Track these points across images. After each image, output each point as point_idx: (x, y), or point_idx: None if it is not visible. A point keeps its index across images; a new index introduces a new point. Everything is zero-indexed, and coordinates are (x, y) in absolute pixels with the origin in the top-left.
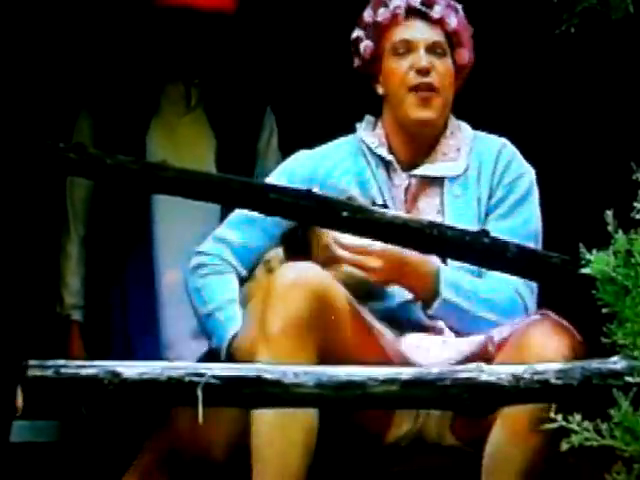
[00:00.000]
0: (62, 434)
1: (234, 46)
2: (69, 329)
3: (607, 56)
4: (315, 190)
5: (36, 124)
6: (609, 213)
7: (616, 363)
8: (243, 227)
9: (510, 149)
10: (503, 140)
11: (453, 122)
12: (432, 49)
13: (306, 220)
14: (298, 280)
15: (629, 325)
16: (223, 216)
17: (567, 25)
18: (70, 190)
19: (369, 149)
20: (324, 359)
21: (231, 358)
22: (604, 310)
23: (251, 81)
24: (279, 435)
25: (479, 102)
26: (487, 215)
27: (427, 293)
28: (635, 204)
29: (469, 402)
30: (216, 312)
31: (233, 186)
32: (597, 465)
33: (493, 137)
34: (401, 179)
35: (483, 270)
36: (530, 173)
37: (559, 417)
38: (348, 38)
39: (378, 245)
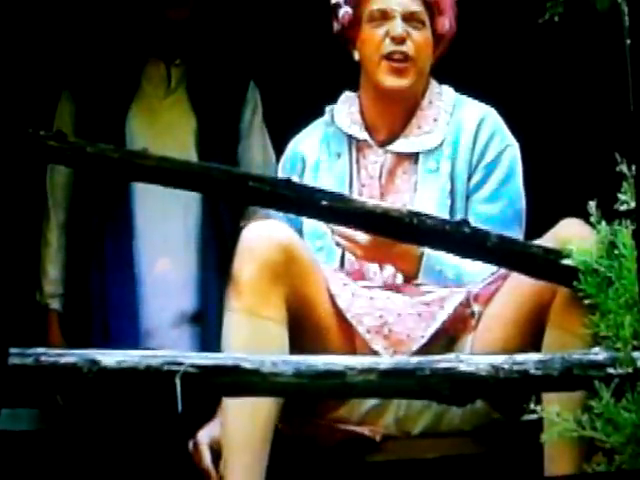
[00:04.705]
0: (42, 423)
1: (216, 23)
2: (48, 318)
3: (593, 47)
4: (294, 179)
5: (17, 107)
6: (592, 204)
7: (598, 354)
8: None
9: (493, 119)
10: (487, 109)
11: (433, 89)
12: (409, 19)
13: (285, 209)
14: (265, 232)
15: (612, 317)
16: (204, 203)
17: (551, 14)
18: (50, 176)
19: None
20: (292, 312)
21: None
22: (586, 301)
23: (233, 58)
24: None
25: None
26: (468, 197)
27: (411, 275)
28: (619, 195)
29: (448, 392)
30: None
31: (213, 174)
32: None
33: (477, 104)
34: (377, 156)
35: None
36: (514, 147)
37: (539, 408)
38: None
39: None
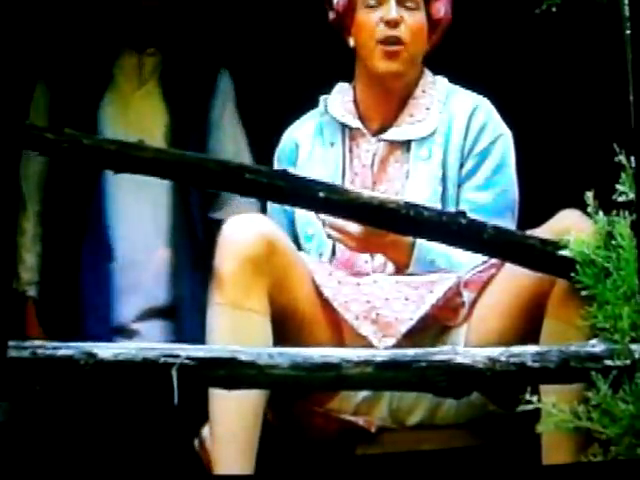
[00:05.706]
0: (11, 415)
1: (190, 11)
2: (25, 305)
3: (591, 36)
4: (291, 170)
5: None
6: (589, 194)
7: (595, 346)
8: None
9: (485, 109)
10: (480, 99)
11: (427, 79)
12: (403, 2)
13: (282, 200)
14: (245, 225)
15: (609, 308)
16: (174, 195)
17: (548, 3)
18: (24, 166)
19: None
20: (276, 305)
21: None
22: (583, 293)
23: (204, 47)
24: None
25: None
26: (459, 185)
27: (403, 265)
28: (617, 186)
29: (445, 384)
30: None
31: (209, 166)
32: None
33: (470, 94)
34: (370, 144)
35: None
36: (507, 135)
37: (534, 399)
38: None
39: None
